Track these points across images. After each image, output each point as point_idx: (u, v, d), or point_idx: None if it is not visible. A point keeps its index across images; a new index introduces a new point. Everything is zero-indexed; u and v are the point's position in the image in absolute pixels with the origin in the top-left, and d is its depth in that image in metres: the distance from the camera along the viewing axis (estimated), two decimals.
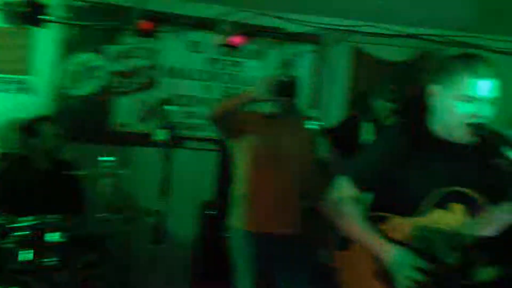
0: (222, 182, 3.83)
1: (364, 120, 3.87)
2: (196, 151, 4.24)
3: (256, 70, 4.31)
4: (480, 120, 1.83)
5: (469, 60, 1.86)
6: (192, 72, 4.29)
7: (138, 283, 3.87)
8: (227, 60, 4.31)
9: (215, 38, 4.18)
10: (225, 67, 4.31)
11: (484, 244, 1.83)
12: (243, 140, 3.05)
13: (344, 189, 2.05)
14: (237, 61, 4.32)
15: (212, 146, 4.21)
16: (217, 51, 4.27)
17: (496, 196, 1.84)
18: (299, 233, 3.10)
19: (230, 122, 2.97)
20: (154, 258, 3.45)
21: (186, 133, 4.21)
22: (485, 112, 1.84)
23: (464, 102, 1.84)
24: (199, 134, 4.26)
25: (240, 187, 3.09)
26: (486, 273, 1.82)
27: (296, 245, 3.07)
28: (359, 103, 4.42)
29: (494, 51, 4.24)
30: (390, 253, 1.88)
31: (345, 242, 2.07)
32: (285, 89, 2.51)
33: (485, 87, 1.83)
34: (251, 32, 4.16)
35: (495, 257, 1.86)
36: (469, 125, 1.84)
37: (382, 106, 3.80)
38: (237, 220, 3.06)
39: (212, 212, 3.76)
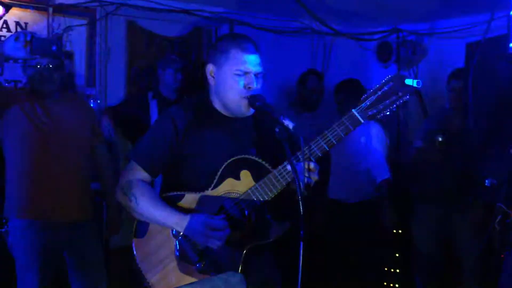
0: None
1: (152, 97, 3.85)
2: None
3: None
4: (254, 92, 1.99)
5: (237, 38, 2.04)
6: None
7: None
8: None
9: None
10: None
11: (271, 204, 2.00)
12: (8, 120, 2.76)
13: (133, 173, 2.04)
14: None
15: None
16: None
17: (277, 159, 2.01)
18: (90, 218, 2.97)
19: None
20: None
21: None
22: (257, 84, 2.01)
23: (238, 76, 1.98)
24: None
25: (14, 174, 2.81)
26: (278, 230, 1.99)
27: (87, 230, 2.94)
28: (141, 79, 4.37)
29: (257, 28, 4.60)
30: (191, 222, 1.94)
31: (142, 228, 2.05)
32: (43, 47, 2.26)
33: (254, 61, 2.00)
34: (10, 2, 3.72)
35: (282, 213, 2.04)
36: (245, 98, 1.99)
37: (171, 82, 3.83)
38: (15, 210, 2.78)
39: None
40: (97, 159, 3.08)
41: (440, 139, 3.56)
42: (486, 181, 2.99)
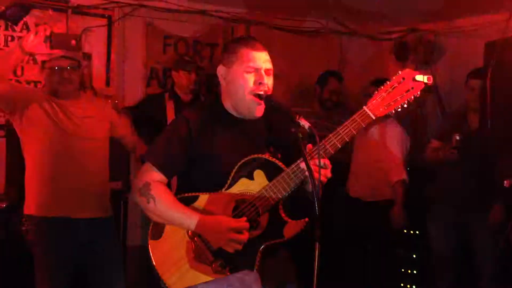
0: (13, 171, 3.49)
1: (168, 98, 3.87)
2: None
3: None
4: (265, 88, 2.00)
5: (245, 38, 2.09)
6: None
7: None
8: (1, 35, 3.84)
9: None
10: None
11: (286, 203, 2.01)
12: (28, 118, 2.81)
13: (150, 175, 2.05)
14: (14, 36, 3.89)
15: None
16: None
17: (290, 158, 2.02)
18: (108, 215, 2.99)
19: (9, 93, 2.71)
20: None
21: None
22: (267, 82, 2.02)
23: (248, 74, 2.00)
24: None
25: (34, 172, 2.85)
26: (293, 229, 1.99)
27: (106, 228, 2.97)
28: (158, 80, 4.41)
29: (274, 28, 4.62)
30: (208, 224, 1.96)
31: (158, 230, 2.06)
32: (62, 42, 2.29)
33: (263, 58, 2.02)
34: (31, 4, 3.77)
35: (296, 212, 2.04)
36: (257, 95, 1.99)
37: (186, 83, 3.85)
38: (34, 207, 2.82)
39: (3, 206, 3.39)
40: (117, 159, 3.09)
41: (457, 138, 3.52)
42: (505, 182, 2.96)
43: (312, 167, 1.83)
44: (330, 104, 4.32)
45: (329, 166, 1.93)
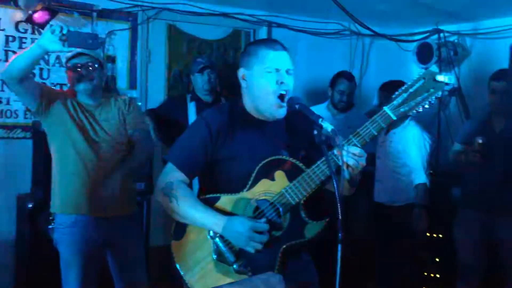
0: (39, 171, 3.55)
1: (190, 99, 3.90)
2: (5, 139, 3.82)
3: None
4: (286, 88, 2.01)
5: (265, 40, 2.14)
6: None
7: None
8: (29, 38, 3.92)
9: (15, 14, 3.80)
10: (26, 46, 3.92)
11: (307, 203, 2.01)
12: (52, 117, 2.85)
13: (172, 175, 2.08)
14: None
15: (24, 133, 3.84)
16: (16, 28, 3.87)
17: (310, 159, 2.03)
18: (130, 213, 3.02)
19: (32, 87, 2.74)
20: None
21: None
22: (288, 81, 2.02)
23: (269, 74, 2.01)
24: (8, 121, 3.84)
25: (57, 171, 2.89)
26: (313, 229, 2.00)
27: (129, 227, 3.00)
28: (180, 81, 4.45)
29: (296, 30, 4.63)
30: (230, 224, 1.97)
31: (180, 231, 2.09)
32: (79, 40, 2.32)
33: (284, 58, 2.03)
34: (57, 8, 3.84)
35: (317, 212, 2.04)
36: (279, 96, 2.00)
37: (201, 85, 3.86)
38: (59, 205, 2.86)
39: (30, 205, 3.46)
40: (140, 160, 3.09)
41: (480, 141, 3.47)
42: None
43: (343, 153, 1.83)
44: (343, 105, 4.28)
45: (364, 155, 1.91)
